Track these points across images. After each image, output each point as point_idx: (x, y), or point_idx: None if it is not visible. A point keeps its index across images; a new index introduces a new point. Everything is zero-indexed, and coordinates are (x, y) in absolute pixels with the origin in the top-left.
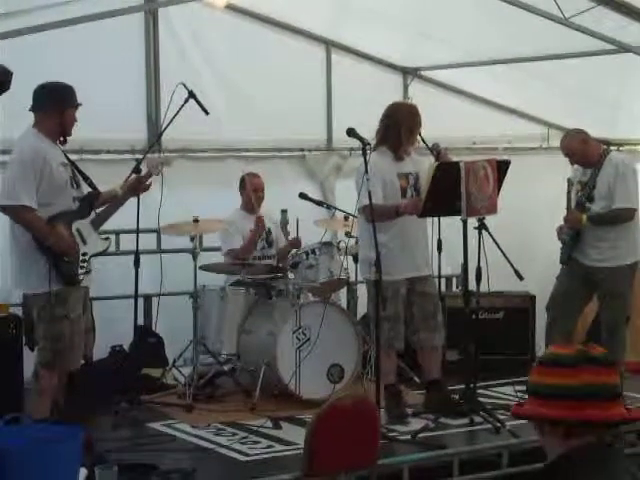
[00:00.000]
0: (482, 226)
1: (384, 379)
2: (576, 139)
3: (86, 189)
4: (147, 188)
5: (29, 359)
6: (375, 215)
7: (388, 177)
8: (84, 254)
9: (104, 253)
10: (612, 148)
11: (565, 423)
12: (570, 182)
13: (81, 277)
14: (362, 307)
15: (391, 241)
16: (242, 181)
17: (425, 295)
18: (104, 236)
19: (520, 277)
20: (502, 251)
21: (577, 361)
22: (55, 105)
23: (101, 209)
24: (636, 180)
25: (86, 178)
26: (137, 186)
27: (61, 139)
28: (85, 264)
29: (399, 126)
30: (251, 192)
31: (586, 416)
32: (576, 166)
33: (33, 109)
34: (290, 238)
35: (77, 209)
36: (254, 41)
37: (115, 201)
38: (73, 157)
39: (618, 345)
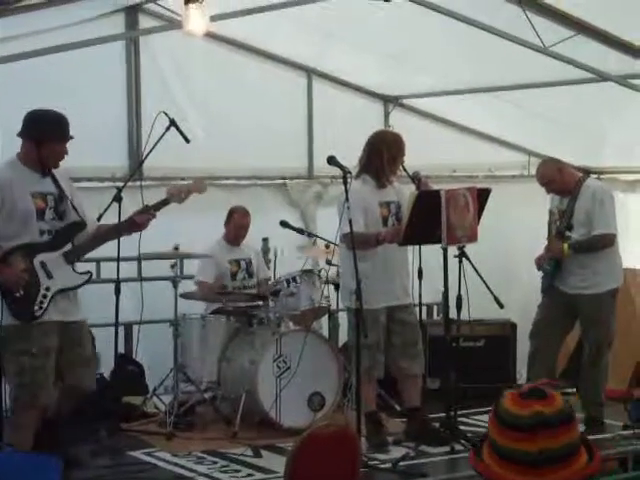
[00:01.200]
0: (462, 254)
1: (365, 407)
2: (551, 168)
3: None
4: (148, 220)
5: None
6: (356, 243)
7: (370, 205)
8: (47, 289)
9: (79, 286)
10: (593, 176)
11: None
12: (552, 213)
13: (38, 313)
14: (343, 335)
15: (372, 270)
16: (230, 215)
17: (405, 323)
18: (83, 270)
19: (500, 305)
20: (482, 279)
21: (533, 426)
22: (31, 135)
23: (83, 241)
24: (613, 206)
25: (75, 209)
26: (144, 216)
27: (45, 170)
28: (45, 299)
29: (382, 154)
30: (235, 229)
31: None
32: (552, 195)
33: (18, 133)
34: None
35: (46, 241)
36: (235, 69)
37: (114, 231)
38: None
39: (601, 372)
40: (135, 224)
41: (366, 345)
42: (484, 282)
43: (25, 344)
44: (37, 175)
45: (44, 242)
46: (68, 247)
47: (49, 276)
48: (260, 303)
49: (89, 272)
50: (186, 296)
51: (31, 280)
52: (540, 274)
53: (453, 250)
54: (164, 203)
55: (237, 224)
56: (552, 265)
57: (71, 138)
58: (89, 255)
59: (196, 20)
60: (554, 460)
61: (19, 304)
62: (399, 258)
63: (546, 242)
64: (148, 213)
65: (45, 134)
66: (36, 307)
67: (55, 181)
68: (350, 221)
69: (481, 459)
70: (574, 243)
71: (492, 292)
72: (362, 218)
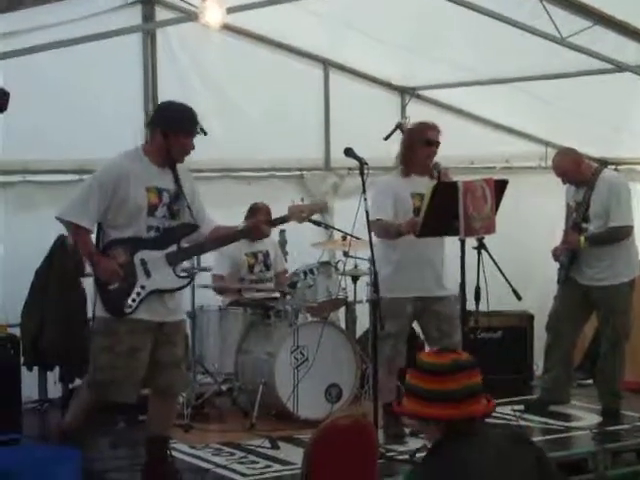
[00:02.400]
0: (481, 246)
1: (383, 397)
2: (568, 159)
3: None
4: (267, 234)
5: (27, 379)
6: (379, 231)
7: (400, 195)
8: (142, 287)
9: (177, 290)
10: (610, 167)
11: (451, 420)
12: (569, 206)
13: (128, 310)
14: (361, 327)
15: (401, 259)
16: (252, 212)
17: (440, 316)
18: (183, 274)
19: (518, 297)
20: (501, 271)
21: (453, 369)
22: (158, 125)
23: (193, 243)
24: (630, 197)
25: (190, 209)
26: (260, 228)
27: (168, 162)
28: (138, 297)
29: (404, 144)
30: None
31: (471, 412)
32: (568, 185)
33: (147, 123)
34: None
35: (151, 238)
36: (252, 61)
37: (227, 238)
38: (70, 177)
39: (618, 363)
40: (257, 231)
41: (388, 334)
42: (502, 274)
43: (110, 341)
44: (158, 170)
45: (149, 239)
46: (173, 248)
47: (147, 275)
48: (277, 295)
49: (190, 277)
50: (208, 287)
51: (128, 276)
52: (557, 265)
53: (471, 241)
54: (284, 220)
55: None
56: (568, 256)
57: (202, 133)
58: None
59: (213, 12)
60: (472, 395)
61: (112, 298)
62: (432, 249)
63: (563, 234)
64: (269, 224)
65: (173, 125)
66: (128, 303)
67: (176, 178)
68: (367, 212)
69: (404, 406)
70: (591, 236)
71: (510, 284)
72: (391, 207)
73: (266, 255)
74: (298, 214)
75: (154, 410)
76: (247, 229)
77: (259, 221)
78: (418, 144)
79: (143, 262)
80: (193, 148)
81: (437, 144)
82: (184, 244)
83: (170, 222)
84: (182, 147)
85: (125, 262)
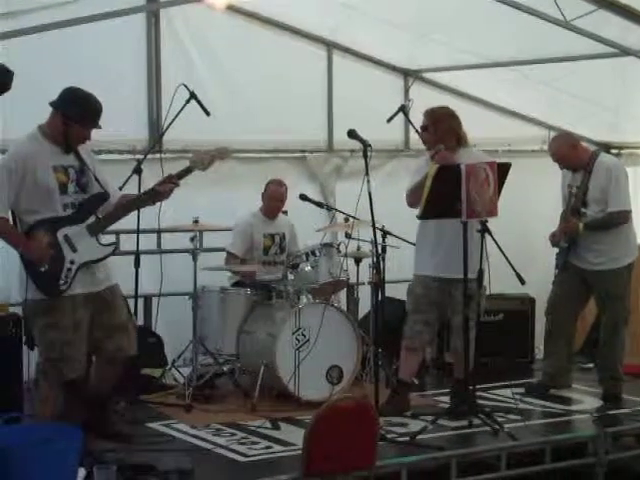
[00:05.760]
0: (485, 229)
1: (400, 373)
2: (565, 144)
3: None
4: (171, 189)
5: (29, 358)
6: (417, 196)
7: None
8: (72, 262)
9: (104, 258)
10: (613, 151)
11: None
12: (568, 191)
13: (63, 287)
14: (362, 308)
15: (422, 237)
16: (266, 186)
17: (452, 297)
18: (107, 242)
19: (522, 281)
20: (505, 255)
21: None
22: (62, 110)
23: (106, 212)
24: (627, 182)
25: (98, 180)
26: (167, 185)
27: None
28: (70, 273)
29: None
30: (269, 200)
31: None
32: (565, 170)
33: (51, 103)
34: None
35: (68, 215)
36: (255, 42)
37: (138, 202)
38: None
39: (618, 347)
40: (159, 193)
41: (407, 312)
42: (506, 258)
43: (52, 318)
44: (58, 149)
45: (67, 216)
46: (92, 219)
47: (73, 249)
48: (279, 276)
49: (114, 243)
50: (208, 268)
51: (55, 254)
52: (557, 250)
53: (475, 225)
54: (187, 171)
55: (271, 194)
56: (568, 242)
57: (98, 128)
58: (109, 228)
59: None
60: None
61: (44, 279)
62: (451, 231)
63: (559, 218)
64: (171, 182)
65: (76, 115)
66: (61, 281)
67: (76, 154)
68: (370, 194)
69: None
70: (589, 222)
71: (514, 268)
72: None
73: (282, 237)
74: (200, 162)
75: (98, 375)
76: (150, 192)
77: (158, 184)
78: (424, 125)
79: (67, 238)
80: (89, 139)
81: (423, 128)
82: (100, 214)
83: (82, 196)
84: (79, 136)
85: (50, 241)
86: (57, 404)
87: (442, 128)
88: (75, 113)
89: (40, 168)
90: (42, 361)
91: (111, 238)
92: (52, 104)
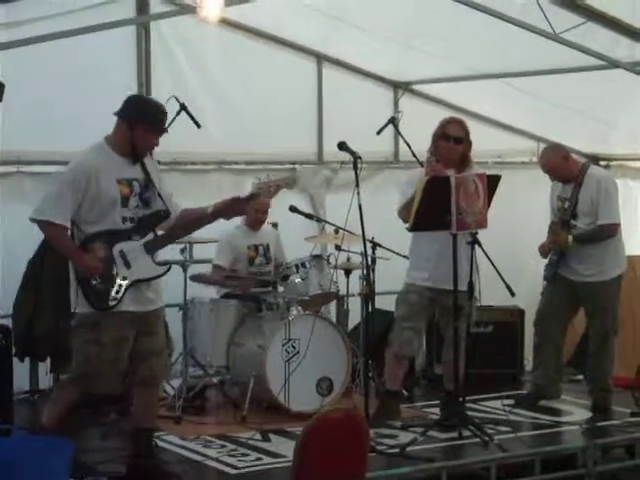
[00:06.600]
0: (475, 241)
1: (387, 383)
2: (555, 155)
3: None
4: (244, 212)
5: (18, 370)
6: (409, 211)
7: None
8: (124, 279)
9: (157, 278)
10: (602, 163)
11: None
12: (557, 203)
13: (112, 303)
14: (352, 320)
15: (417, 248)
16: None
17: (444, 308)
18: (161, 261)
19: (512, 293)
20: (495, 267)
21: None
22: (127, 117)
23: (166, 231)
24: (617, 194)
25: (161, 197)
26: (233, 208)
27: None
28: (121, 289)
29: (432, 140)
30: (254, 211)
31: None
32: (554, 182)
33: (116, 112)
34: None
35: (127, 229)
36: (246, 54)
37: (199, 222)
38: (64, 169)
39: (607, 359)
40: (223, 214)
41: (395, 319)
42: (497, 270)
43: (95, 334)
44: (125, 160)
45: (125, 230)
46: (150, 236)
47: (127, 266)
48: (270, 288)
49: (168, 264)
50: (195, 279)
51: (108, 269)
52: (546, 261)
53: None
54: (252, 197)
55: (258, 206)
56: (557, 254)
57: (166, 132)
58: None
59: (212, 6)
60: None
61: (95, 293)
62: (443, 242)
63: (548, 230)
64: (239, 205)
65: (143, 120)
66: (111, 297)
67: (143, 167)
68: (360, 206)
69: None
70: (579, 234)
71: (504, 280)
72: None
73: (266, 248)
74: (266, 189)
75: (140, 401)
76: (217, 211)
77: (227, 201)
78: (437, 138)
79: (122, 254)
80: (157, 145)
81: (456, 139)
82: (159, 231)
83: (143, 211)
84: (148, 143)
85: (105, 255)
86: (67, 410)
87: (469, 141)
88: (142, 119)
89: (104, 180)
90: (74, 369)
91: None
92: (117, 114)
